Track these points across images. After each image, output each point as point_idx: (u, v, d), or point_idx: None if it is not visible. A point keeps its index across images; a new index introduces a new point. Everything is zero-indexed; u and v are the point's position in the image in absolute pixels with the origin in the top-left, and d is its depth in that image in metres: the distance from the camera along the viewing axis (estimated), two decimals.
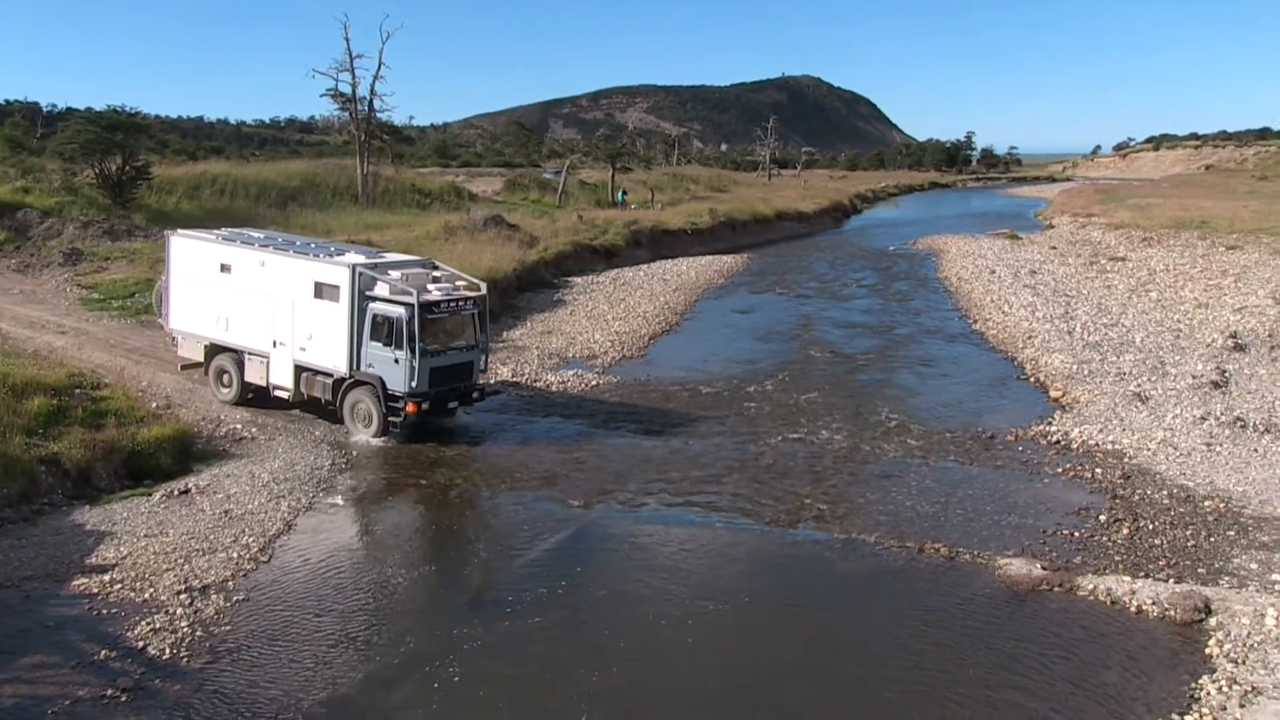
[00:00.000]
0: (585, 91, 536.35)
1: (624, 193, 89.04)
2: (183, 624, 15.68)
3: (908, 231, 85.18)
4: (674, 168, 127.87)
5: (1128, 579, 17.12)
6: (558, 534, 20.29)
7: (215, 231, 29.39)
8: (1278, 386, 27.78)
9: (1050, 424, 26.55)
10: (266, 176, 61.84)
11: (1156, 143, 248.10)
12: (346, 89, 68.33)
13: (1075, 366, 31.86)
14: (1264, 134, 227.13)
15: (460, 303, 25.97)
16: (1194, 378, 28.98)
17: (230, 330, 27.11)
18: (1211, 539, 18.88)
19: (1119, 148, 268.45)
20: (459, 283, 27.16)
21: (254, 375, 26.82)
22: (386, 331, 24.59)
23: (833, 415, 28.43)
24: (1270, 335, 31.83)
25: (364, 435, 25.16)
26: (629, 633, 16.08)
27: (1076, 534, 19.54)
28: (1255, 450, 23.62)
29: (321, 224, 53.71)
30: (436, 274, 26.77)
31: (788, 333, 41.50)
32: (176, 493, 20.91)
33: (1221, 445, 23.99)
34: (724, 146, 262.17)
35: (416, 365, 24.40)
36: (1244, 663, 14.18)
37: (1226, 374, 29.05)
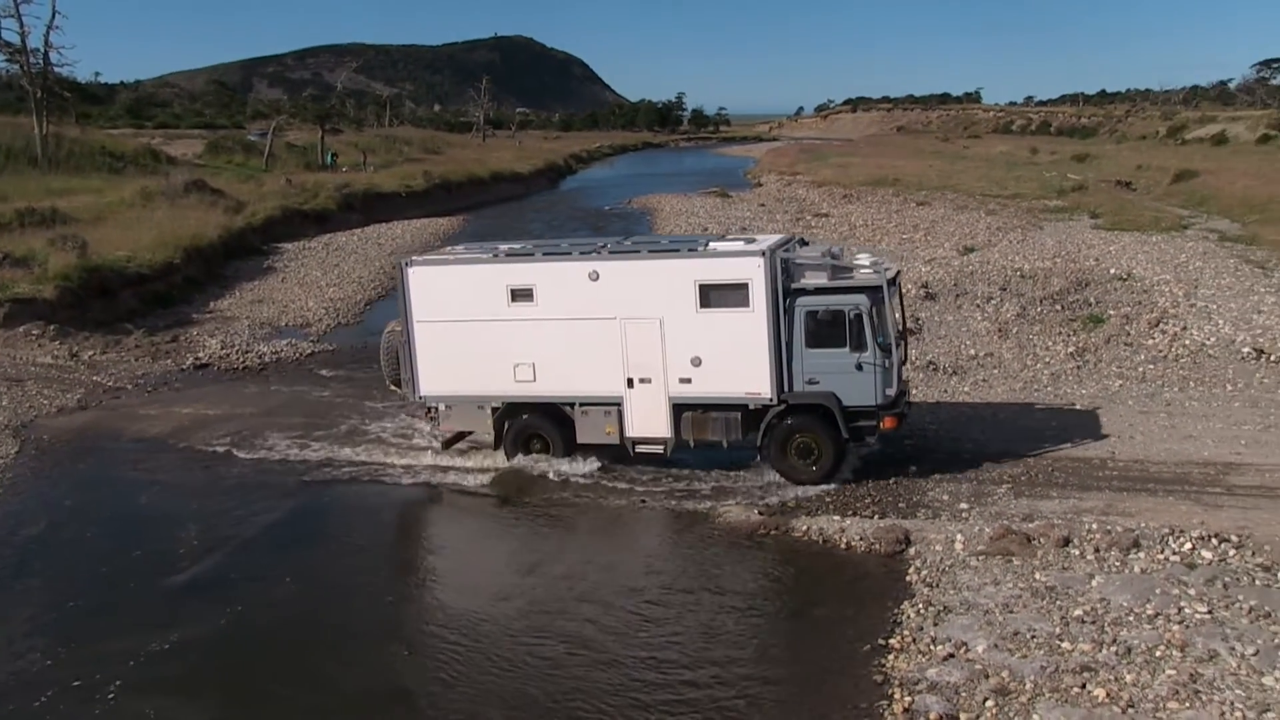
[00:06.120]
0: (291, 50, 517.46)
1: (334, 155, 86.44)
2: None
3: (623, 191, 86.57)
4: (386, 129, 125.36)
5: (837, 518, 18.04)
6: (230, 482, 20.32)
7: (468, 248, 23.12)
8: (963, 331, 29.93)
9: None
10: None
11: (854, 105, 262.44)
12: (13, 38, 62.39)
13: None
14: (944, 99, 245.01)
15: (898, 279, 21.10)
16: None
17: (541, 378, 20.65)
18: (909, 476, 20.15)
19: (820, 109, 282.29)
20: (860, 257, 21.13)
21: (592, 433, 20.62)
22: (844, 331, 19.03)
23: None
24: (955, 284, 34.18)
25: (809, 476, 19.69)
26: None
27: None
28: (945, 391, 25.40)
29: None
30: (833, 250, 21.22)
31: None
32: None
33: (917, 388, 25.64)
34: (437, 107, 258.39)
35: (893, 365, 19.35)
36: (937, 585, 15.25)
37: (919, 321, 30.99)
